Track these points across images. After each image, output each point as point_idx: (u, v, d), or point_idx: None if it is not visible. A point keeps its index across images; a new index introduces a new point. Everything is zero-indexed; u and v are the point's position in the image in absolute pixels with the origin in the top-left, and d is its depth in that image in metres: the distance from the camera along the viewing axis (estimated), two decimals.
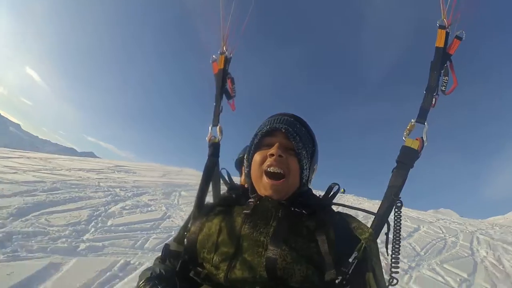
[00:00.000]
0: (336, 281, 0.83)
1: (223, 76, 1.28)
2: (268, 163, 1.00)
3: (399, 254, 0.91)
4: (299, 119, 1.12)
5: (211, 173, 1.23)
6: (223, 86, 1.29)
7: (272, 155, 1.00)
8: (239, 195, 1.14)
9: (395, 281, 0.88)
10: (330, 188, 1.09)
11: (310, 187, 1.14)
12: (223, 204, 1.10)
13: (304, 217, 0.97)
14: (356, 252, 0.86)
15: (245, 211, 1.01)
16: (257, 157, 1.05)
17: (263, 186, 1.02)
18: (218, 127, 1.28)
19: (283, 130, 1.03)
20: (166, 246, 1.09)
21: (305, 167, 1.03)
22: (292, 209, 1.00)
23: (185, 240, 1.08)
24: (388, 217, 0.94)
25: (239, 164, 2.01)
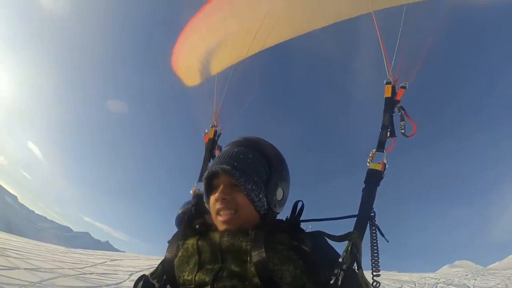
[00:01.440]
0: (331, 282, 0.86)
1: (212, 144, 1.49)
2: (217, 207, 1.02)
3: (378, 258, 0.97)
4: (246, 144, 1.12)
5: (192, 220, 1.23)
6: (212, 152, 1.48)
7: (217, 199, 1.02)
8: (209, 227, 1.12)
9: (377, 284, 0.94)
10: (294, 206, 1.07)
11: (278, 212, 1.10)
12: (193, 230, 1.11)
13: (277, 234, 0.97)
14: (344, 253, 0.92)
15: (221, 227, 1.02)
16: (211, 200, 1.07)
17: (218, 224, 1.03)
18: (203, 182, 1.39)
19: (221, 171, 1.03)
20: (146, 278, 1.06)
21: (256, 199, 1.01)
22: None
23: (161, 267, 1.08)
24: (368, 219, 1.02)
25: (178, 221, 1.90)
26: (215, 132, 1.54)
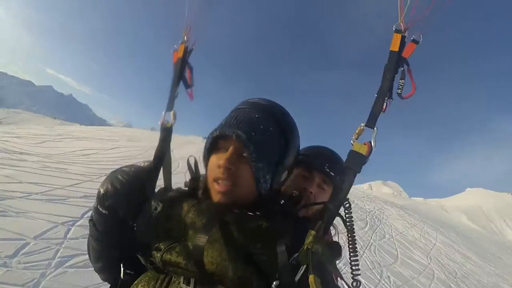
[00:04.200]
0: (272, 285, 0.74)
1: (181, 66, 1.26)
2: (216, 175, 0.91)
3: (357, 255, 0.87)
4: (269, 112, 0.96)
5: (162, 158, 1.16)
6: (181, 75, 1.26)
7: (220, 166, 0.90)
8: (197, 189, 1.05)
9: (358, 283, 0.84)
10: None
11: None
12: (176, 194, 1.05)
13: (258, 218, 0.88)
14: (296, 254, 0.78)
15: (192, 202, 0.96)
16: (212, 161, 0.95)
17: (213, 192, 0.95)
18: (172, 112, 1.24)
19: (234, 137, 0.89)
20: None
21: (261, 180, 0.90)
22: (245, 211, 0.90)
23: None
24: (338, 210, 0.88)
25: None
26: (186, 48, 1.28)
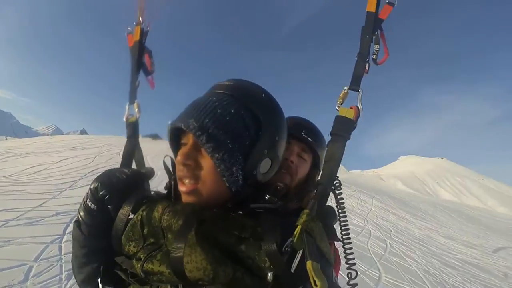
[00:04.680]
0: (268, 277, 0.66)
1: (140, 50, 1.12)
2: (178, 173, 0.81)
3: (351, 243, 0.82)
4: (232, 92, 0.82)
5: (132, 155, 1.09)
6: (140, 60, 1.13)
7: (178, 163, 0.80)
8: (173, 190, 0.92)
9: (353, 273, 0.79)
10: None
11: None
12: (152, 197, 0.92)
13: (239, 217, 0.77)
14: (290, 239, 0.70)
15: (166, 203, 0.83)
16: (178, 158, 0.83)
17: (182, 193, 0.83)
18: (135, 104, 1.13)
19: (184, 129, 0.77)
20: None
21: (226, 173, 0.77)
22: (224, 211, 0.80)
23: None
24: (332, 185, 0.84)
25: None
26: (142, 30, 1.14)
